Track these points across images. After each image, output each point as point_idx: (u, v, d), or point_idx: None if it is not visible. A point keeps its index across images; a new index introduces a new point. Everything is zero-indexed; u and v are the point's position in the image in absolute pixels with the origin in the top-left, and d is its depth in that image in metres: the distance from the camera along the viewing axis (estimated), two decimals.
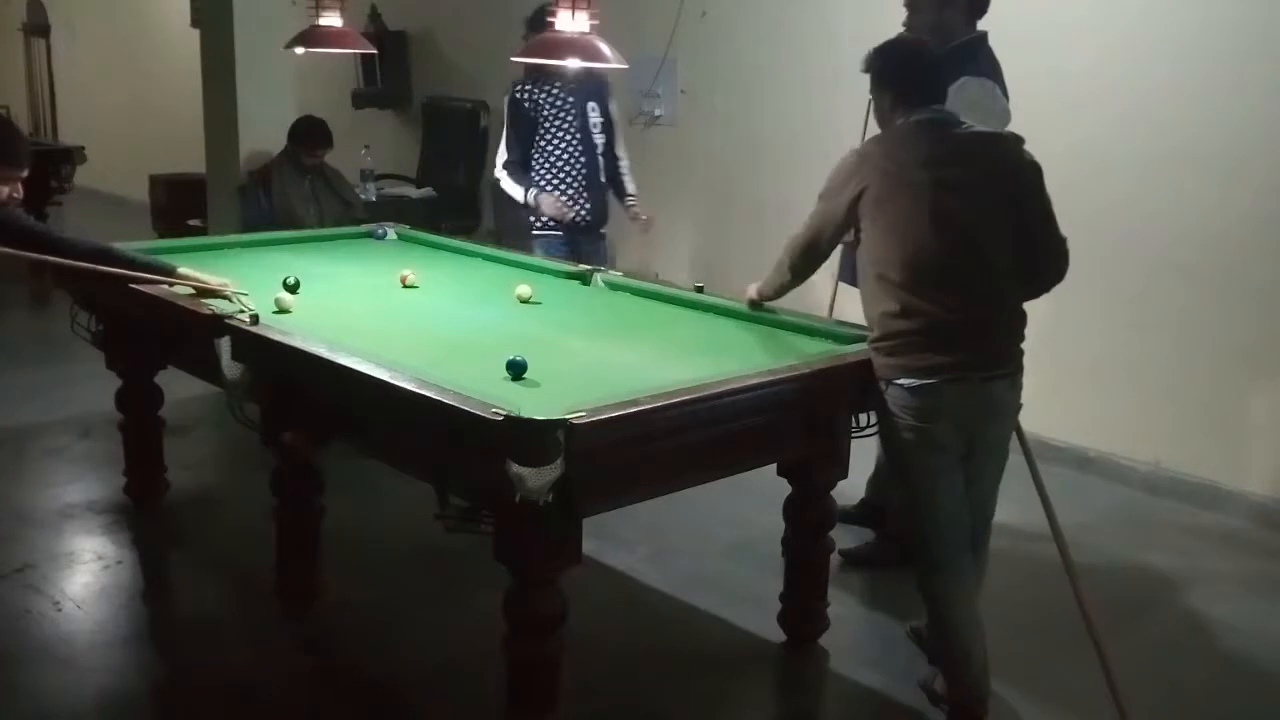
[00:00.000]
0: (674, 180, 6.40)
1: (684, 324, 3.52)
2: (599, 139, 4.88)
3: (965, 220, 2.82)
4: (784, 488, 3.31)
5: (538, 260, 4.33)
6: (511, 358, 2.78)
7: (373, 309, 3.64)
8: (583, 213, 4.85)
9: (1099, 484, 4.72)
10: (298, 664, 3.27)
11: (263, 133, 6.19)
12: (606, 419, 2.41)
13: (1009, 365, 2.90)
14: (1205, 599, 3.81)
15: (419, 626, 3.48)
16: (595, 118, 4.86)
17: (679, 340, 3.32)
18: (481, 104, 7.58)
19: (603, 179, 4.91)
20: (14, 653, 3.25)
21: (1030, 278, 2.93)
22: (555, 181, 4.81)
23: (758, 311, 3.47)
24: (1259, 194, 4.40)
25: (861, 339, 3.16)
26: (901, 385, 2.84)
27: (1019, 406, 3.00)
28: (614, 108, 4.97)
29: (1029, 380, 2.95)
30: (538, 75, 4.80)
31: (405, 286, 3.88)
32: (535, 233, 4.88)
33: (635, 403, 2.50)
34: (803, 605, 3.38)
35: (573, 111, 4.81)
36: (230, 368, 3.16)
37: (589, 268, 4.14)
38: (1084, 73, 4.75)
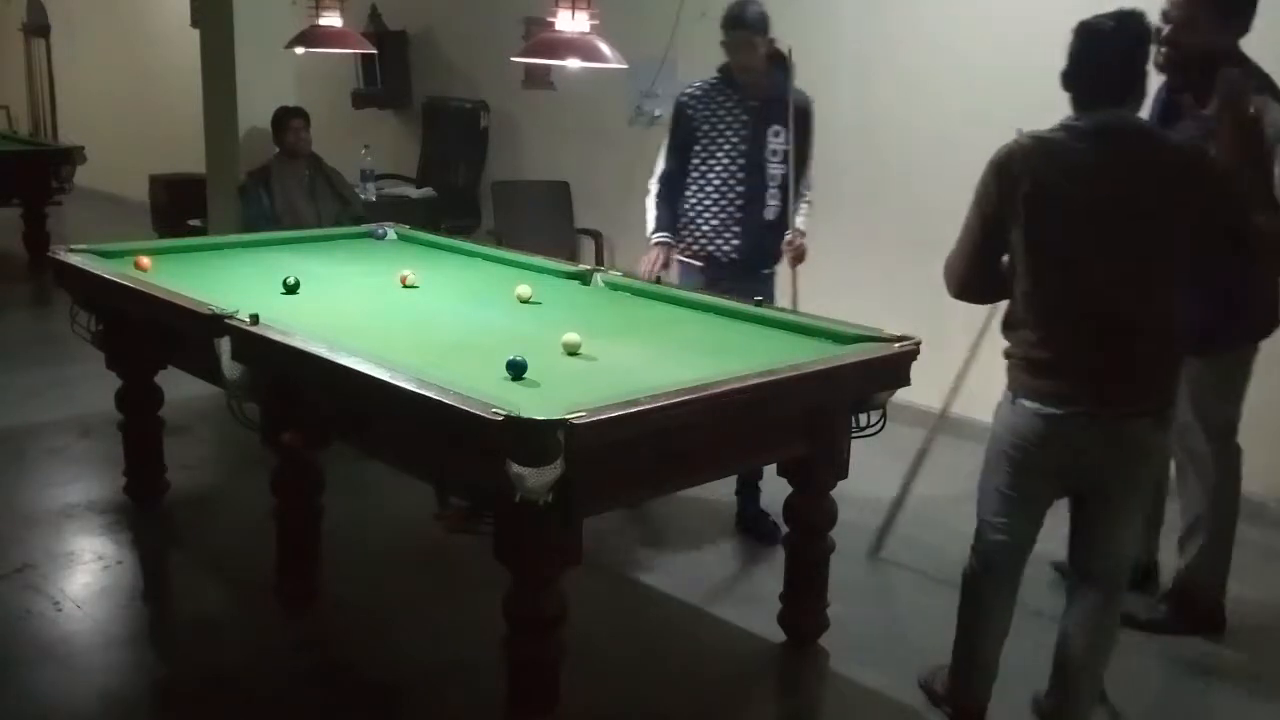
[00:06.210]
0: None
1: (684, 324, 3.52)
2: (775, 169, 4.07)
3: (1117, 246, 2.53)
4: (784, 488, 3.31)
5: (538, 260, 4.32)
6: (511, 358, 2.78)
7: (373, 309, 3.64)
8: (725, 248, 4.10)
9: None
10: (298, 664, 3.27)
11: (263, 133, 6.20)
12: (606, 419, 2.41)
13: (1152, 402, 2.64)
14: None
15: (419, 626, 3.48)
16: (776, 144, 4.06)
17: (679, 340, 3.31)
18: (481, 104, 7.58)
19: (770, 216, 4.10)
20: (14, 653, 3.25)
21: (1222, 319, 2.72)
22: (701, 207, 4.12)
23: (758, 310, 3.49)
24: None
25: (862, 339, 3.17)
26: (1025, 405, 2.66)
27: (1164, 445, 2.80)
28: (811, 140, 4.21)
29: None
30: (719, 79, 4.14)
31: (405, 286, 3.88)
32: (678, 257, 4.22)
33: (635, 403, 2.50)
34: (803, 605, 3.38)
35: (743, 130, 4.06)
36: (230, 368, 3.16)
37: (589, 268, 4.13)
38: None
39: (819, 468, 3.22)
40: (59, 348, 5.38)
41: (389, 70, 8.09)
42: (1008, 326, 2.73)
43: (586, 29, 3.34)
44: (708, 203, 4.11)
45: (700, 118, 4.11)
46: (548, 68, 6.82)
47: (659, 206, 4.20)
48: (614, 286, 3.94)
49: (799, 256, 4.11)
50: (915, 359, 3.13)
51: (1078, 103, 2.62)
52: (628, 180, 6.70)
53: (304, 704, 3.10)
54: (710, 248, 4.12)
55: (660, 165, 4.22)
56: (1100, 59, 2.59)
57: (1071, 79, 2.63)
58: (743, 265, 4.11)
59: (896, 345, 3.12)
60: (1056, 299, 2.60)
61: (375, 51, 6.72)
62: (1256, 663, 3.46)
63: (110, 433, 4.34)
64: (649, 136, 6.55)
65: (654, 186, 4.22)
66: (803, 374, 2.89)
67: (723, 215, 4.09)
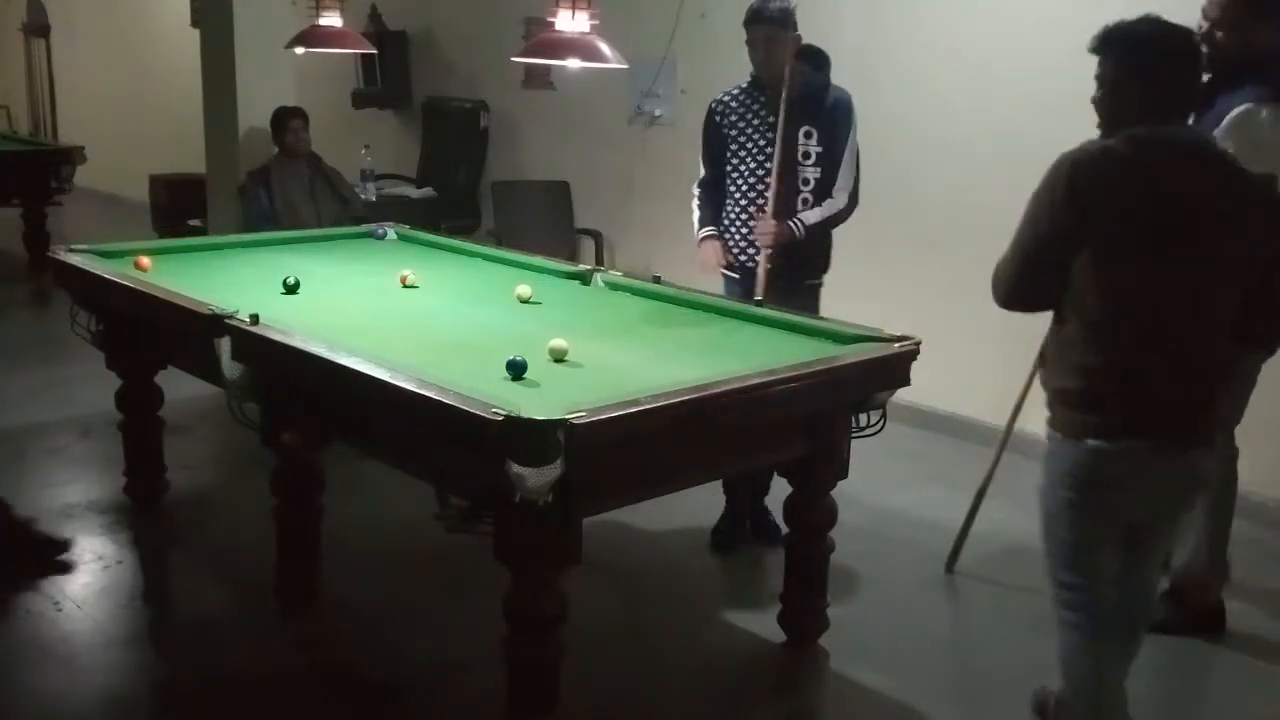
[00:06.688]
0: (674, 180, 6.38)
1: (684, 324, 3.52)
2: (809, 172, 3.90)
3: (1193, 269, 2.36)
4: (784, 488, 3.31)
5: (538, 260, 4.32)
6: (511, 358, 2.78)
7: (373, 309, 3.64)
8: (759, 258, 3.94)
9: None
10: (298, 664, 3.27)
11: (262, 133, 6.21)
12: (606, 419, 2.41)
13: (1211, 429, 2.51)
14: None
15: (419, 626, 3.48)
16: (809, 146, 3.89)
17: (679, 340, 3.32)
18: (481, 104, 7.59)
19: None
20: (14, 653, 3.25)
21: (1246, 339, 2.50)
22: (734, 214, 3.99)
23: (758, 310, 3.49)
24: None
25: (862, 339, 3.17)
26: (1087, 443, 2.43)
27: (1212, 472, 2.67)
28: (849, 141, 3.95)
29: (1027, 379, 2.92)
30: (750, 84, 4.00)
31: (405, 286, 3.88)
32: (722, 269, 4.11)
33: (635, 403, 2.50)
34: (803, 605, 3.38)
35: (769, 133, 3.89)
36: (230, 368, 3.16)
37: (589, 268, 4.13)
38: (1072, 71, 4.75)
39: (819, 468, 3.21)
40: (59, 348, 5.37)
41: (389, 70, 8.10)
42: (1062, 347, 2.49)
43: (586, 29, 3.34)
44: (737, 210, 3.99)
45: (729, 123, 3.98)
46: (548, 68, 6.82)
47: (701, 207, 4.11)
48: (614, 286, 3.94)
49: (764, 233, 3.86)
50: (915, 359, 3.13)
51: (1153, 109, 2.40)
52: (628, 180, 6.73)
53: (304, 704, 3.10)
54: (743, 258, 3.99)
55: (701, 172, 4.13)
56: (1194, 69, 2.44)
57: (1160, 86, 2.40)
58: (779, 272, 3.90)
59: (896, 345, 3.12)
60: (1124, 323, 2.39)
61: (375, 51, 6.73)
62: (1256, 663, 3.46)
63: (110, 433, 4.33)
64: (649, 136, 6.57)
65: (696, 190, 4.13)
66: (803, 374, 2.89)
67: (753, 223, 3.94)
